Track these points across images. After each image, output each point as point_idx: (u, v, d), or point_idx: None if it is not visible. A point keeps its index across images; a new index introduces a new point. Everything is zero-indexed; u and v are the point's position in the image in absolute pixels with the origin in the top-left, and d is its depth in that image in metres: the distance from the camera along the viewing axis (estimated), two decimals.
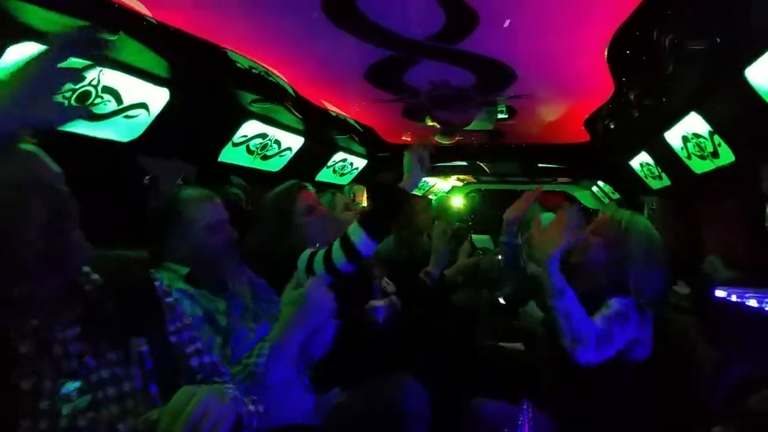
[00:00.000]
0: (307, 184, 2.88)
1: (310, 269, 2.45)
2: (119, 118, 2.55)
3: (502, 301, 4.72)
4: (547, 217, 4.40)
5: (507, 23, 2.20)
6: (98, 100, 2.40)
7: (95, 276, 1.40)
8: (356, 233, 2.39)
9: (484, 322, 4.51)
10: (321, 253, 2.47)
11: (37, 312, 1.24)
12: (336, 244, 2.42)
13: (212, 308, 1.93)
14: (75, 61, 1.28)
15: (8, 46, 1.91)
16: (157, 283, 1.51)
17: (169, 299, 1.52)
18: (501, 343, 3.89)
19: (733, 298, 2.49)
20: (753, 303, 2.32)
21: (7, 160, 1.18)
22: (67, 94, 2.26)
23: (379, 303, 2.65)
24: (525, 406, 2.16)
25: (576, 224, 2.39)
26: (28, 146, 1.27)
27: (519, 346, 3.89)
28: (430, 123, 3.94)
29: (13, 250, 1.16)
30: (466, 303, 4.46)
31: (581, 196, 8.31)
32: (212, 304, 1.94)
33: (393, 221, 2.50)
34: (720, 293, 2.62)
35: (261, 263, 2.40)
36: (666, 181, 4.31)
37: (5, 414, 1.13)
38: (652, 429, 2.28)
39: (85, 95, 2.33)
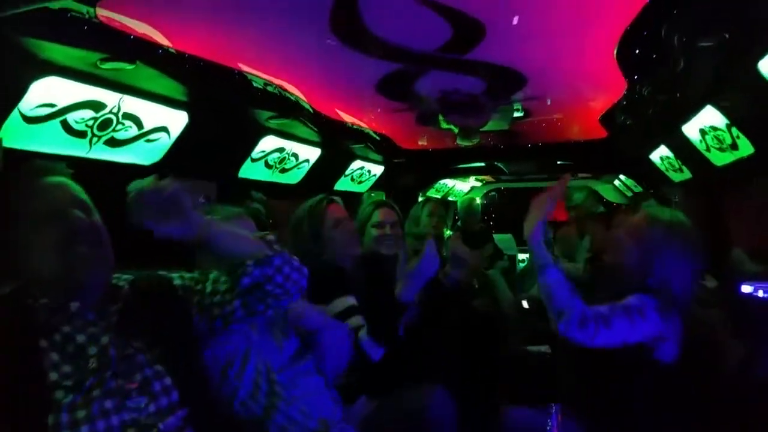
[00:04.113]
0: (337, 198, 2.87)
1: None
2: (141, 142, 2.62)
3: (525, 305, 4.63)
4: None
5: (515, 20, 2.19)
6: (119, 127, 2.47)
7: (125, 287, 1.53)
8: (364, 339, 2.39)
9: (510, 327, 4.46)
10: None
11: (67, 320, 1.35)
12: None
13: None
14: None
15: (32, 82, 1.99)
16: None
17: None
18: (528, 347, 3.86)
19: (760, 293, 2.45)
20: None
21: (30, 193, 1.37)
22: (90, 123, 2.33)
23: None
24: (554, 411, 2.15)
25: (556, 197, 2.24)
26: (59, 178, 1.44)
27: (545, 349, 3.86)
28: (446, 126, 3.94)
29: (34, 269, 1.35)
30: (488, 308, 4.42)
31: (603, 190, 8.22)
32: None
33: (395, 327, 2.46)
34: (746, 288, 2.58)
35: None
36: (687, 174, 4.26)
37: (33, 410, 1.22)
38: (678, 427, 2.24)
39: (107, 122, 2.40)
